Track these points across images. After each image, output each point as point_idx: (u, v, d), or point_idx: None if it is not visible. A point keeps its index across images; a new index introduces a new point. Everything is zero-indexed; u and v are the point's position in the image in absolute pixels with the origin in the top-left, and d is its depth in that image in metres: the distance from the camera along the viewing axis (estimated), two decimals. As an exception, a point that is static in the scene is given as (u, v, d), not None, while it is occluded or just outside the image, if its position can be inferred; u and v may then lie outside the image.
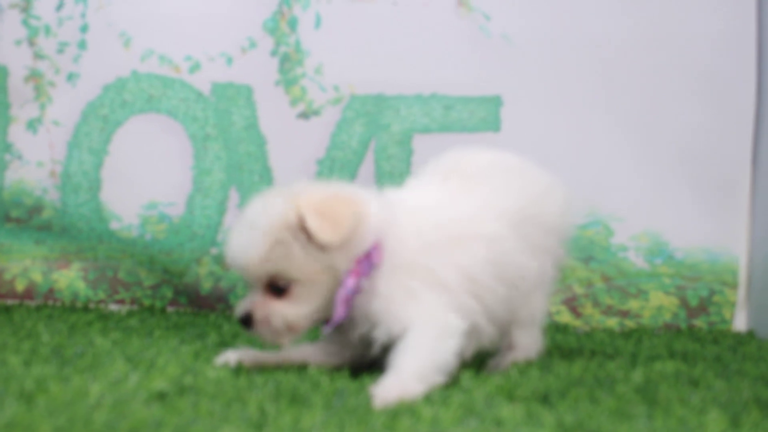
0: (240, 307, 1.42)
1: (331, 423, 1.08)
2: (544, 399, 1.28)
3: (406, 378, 1.28)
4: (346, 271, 1.39)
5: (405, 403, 1.21)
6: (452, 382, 1.35)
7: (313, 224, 1.36)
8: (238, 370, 1.42)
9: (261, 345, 1.49)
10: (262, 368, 1.45)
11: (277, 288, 1.40)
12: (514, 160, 1.63)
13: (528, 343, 1.61)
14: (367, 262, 1.39)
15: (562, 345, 1.86)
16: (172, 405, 1.15)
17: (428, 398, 1.25)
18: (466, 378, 1.36)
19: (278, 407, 1.16)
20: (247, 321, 1.41)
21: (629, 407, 1.22)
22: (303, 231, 1.37)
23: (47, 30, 2.21)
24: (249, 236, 1.38)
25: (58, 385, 1.21)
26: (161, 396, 1.20)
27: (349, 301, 1.40)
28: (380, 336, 1.38)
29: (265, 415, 1.13)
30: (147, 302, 2.22)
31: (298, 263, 1.38)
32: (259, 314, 1.40)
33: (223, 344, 1.70)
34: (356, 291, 1.39)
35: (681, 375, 1.49)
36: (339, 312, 1.40)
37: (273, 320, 1.40)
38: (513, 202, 1.52)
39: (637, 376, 1.45)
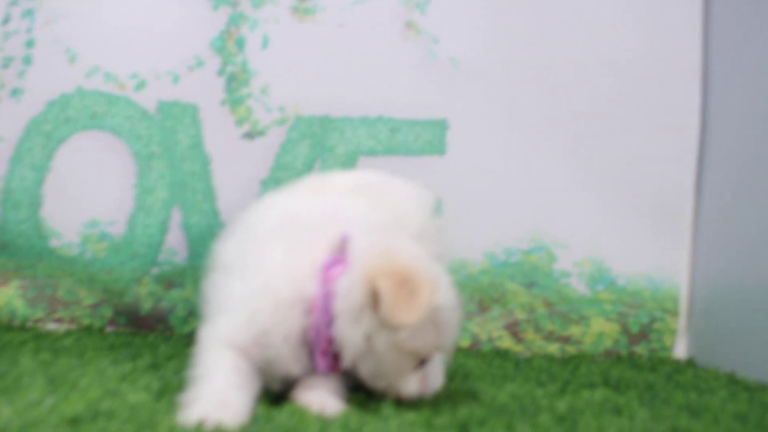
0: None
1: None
2: (463, 427, 1.27)
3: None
4: None
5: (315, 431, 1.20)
6: (372, 410, 1.34)
7: None
8: (160, 393, 1.40)
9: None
10: None
11: None
12: (373, 176, 1.69)
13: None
14: None
15: (499, 371, 1.86)
16: (82, 430, 1.13)
17: (344, 425, 1.24)
18: (387, 406, 1.35)
19: (189, 430, 1.15)
20: None
21: (545, 437, 1.22)
22: None
23: (-8, 44, 2.19)
24: None
25: (-32, 407, 1.19)
26: (73, 421, 1.19)
27: None
28: None
29: (174, 441, 1.11)
30: (86, 321, 2.19)
31: None
32: None
33: (156, 366, 1.69)
34: None
35: (607, 403, 1.49)
36: None
37: None
38: (381, 216, 1.53)
39: (562, 404, 1.45)
